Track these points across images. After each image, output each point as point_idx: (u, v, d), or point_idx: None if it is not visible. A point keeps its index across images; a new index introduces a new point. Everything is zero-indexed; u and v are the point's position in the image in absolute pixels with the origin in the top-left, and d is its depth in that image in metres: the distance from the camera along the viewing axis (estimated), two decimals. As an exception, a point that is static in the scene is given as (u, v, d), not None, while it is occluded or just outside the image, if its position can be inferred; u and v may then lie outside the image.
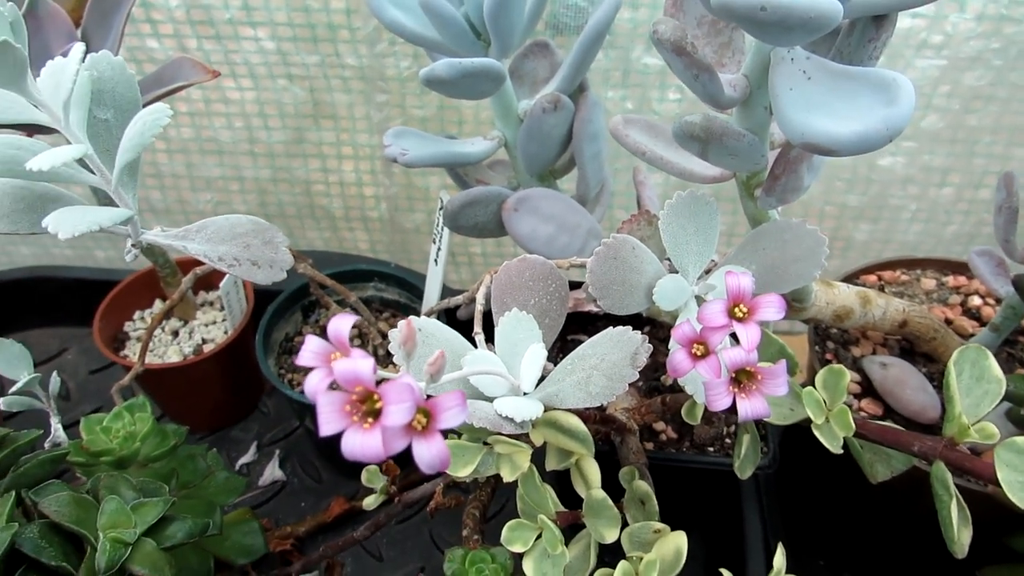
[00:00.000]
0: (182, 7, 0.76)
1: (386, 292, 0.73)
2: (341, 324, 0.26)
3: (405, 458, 0.26)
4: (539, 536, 0.39)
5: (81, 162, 0.38)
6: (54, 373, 0.52)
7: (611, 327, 0.41)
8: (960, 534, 0.36)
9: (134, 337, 0.73)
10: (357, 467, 0.72)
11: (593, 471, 0.42)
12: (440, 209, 0.62)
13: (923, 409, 0.54)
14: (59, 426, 0.52)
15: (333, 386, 0.26)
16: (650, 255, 0.44)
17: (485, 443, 0.40)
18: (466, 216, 0.58)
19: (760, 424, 0.59)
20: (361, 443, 0.24)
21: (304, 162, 0.88)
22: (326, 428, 0.25)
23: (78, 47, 0.34)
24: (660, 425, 0.60)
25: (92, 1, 0.53)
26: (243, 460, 0.74)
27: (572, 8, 0.64)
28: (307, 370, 0.74)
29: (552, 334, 0.44)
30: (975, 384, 0.39)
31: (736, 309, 0.31)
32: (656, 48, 0.37)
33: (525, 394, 0.41)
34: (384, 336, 0.69)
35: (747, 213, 0.48)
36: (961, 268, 0.65)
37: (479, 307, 0.53)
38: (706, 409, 0.52)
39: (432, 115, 0.82)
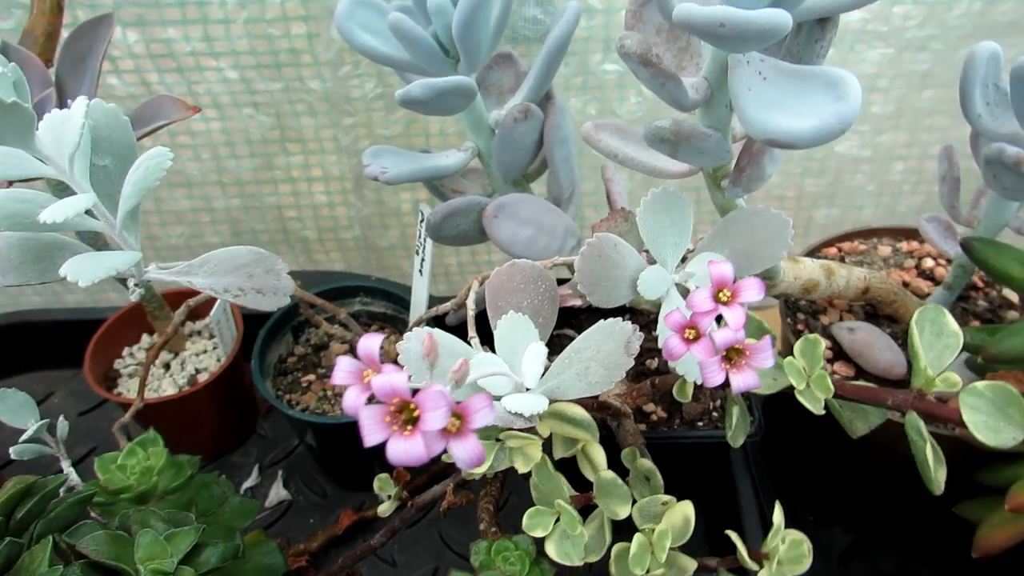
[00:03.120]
0: (142, 42, 0.76)
1: (372, 306, 0.75)
2: (371, 343, 0.28)
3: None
4: (557, 520, 0.42)
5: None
6: (60, 417, 0.53)
7: (601, 320, 0.44)
8: (936, 473, 0.40)
9: (125, 374, 0.73)
10: (360, 479, 0.74)
11: (599, 455, 0.45)
12: (421, 222, 0.64)
13: (891, 367, 0.58)
14: (71, 469, 0.53)
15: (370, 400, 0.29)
16: (631, 250, 0.47)
17: (497, 439, 0.43)
18: (448, 226, 0.60)
19: (745, 395, 0.63)
20: (405, 450, 0.26)
21: (274, 188, 0.89)
22: (370, 439, 0.27)
23: (80, 100, 0.35)
24: (650, 407, 0.64)
25: (64, 45, 0.55)
26: (247, 484, 0.75)
27: (531, 20, 0.66)
28: (305, 389, 0.75)
29: (546, 331, 0.47)
30: (936, 339, 0.43)
31: (720, 294, 0.35)
32: (623, 60, 0.40)
33: (528, 390, 0.43)
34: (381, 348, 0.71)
35: (715, 203, 0.51)
36: (913, 234, 0.70)
37: (471, 312, 0.55)
38: (694, 386, 0.56)
39: (399, 132, 0.84)
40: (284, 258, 0.96)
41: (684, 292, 0.48)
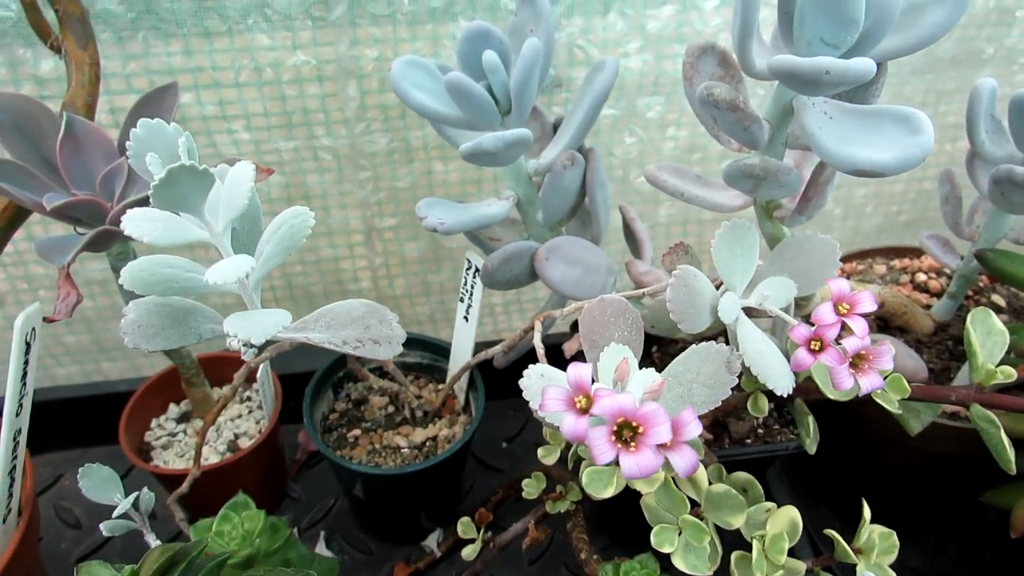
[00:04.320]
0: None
1: (408, 356, 0.76)
2: (581, 371, 0.31)
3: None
4: (679, 534, 0.45)
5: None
6: (144, 489, 0.52)
7: (693, 344, 0.48)
8: (1010, 455, 0.45)
9: (158, 446, 0.71)
10: (404, 532, 0.74)
11: (701, 472, 0.48)
12: (468, 270, 0.66)
13: (915, 372, 0.64)
14: (157, 541, 0.52)
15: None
16: (706, 279, 0.51)
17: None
18: (503, 271, 0.63)
19: (785, 408, 0.67)
20: (638, 464, 0.29)
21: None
22: (602, 458, 0.29)
23: (245, 165, 0.36)
24: (696, 430, 0.67)
25: (130, 114, 0.55)
26: (288, 547, 0.74)
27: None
28: (353, 444, 0.75)
29: (636, 360, 0.50)
30: (987, 338, 0.48)
31: (840, 307, 0.39)
32: (710, 107, 0.44)
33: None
34: (418, 398, 0.72)
35: (764, 232, 0.56)
36: (902, 252, 0.77)
37: (540, 350, 0.57)
38: (736, 407, 0.60)
39: (411, 184, 0.86)
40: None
41: (750, 313, 0.52)
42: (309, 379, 0.71)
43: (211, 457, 0.69)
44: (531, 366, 0.45)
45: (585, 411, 0.30)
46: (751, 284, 0.53)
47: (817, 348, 0.39)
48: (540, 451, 0.57)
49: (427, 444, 0.69)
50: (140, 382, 0.84)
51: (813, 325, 0.39)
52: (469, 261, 0.66)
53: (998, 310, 0.71)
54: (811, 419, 0.52)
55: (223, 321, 0.38)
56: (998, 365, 0.47)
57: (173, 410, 0.74)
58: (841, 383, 0.37)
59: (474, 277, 0.65)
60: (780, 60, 0.39)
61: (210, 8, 0.72)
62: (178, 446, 0.71)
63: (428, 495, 0.71)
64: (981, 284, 0.73)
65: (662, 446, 0.30)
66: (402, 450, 0.69)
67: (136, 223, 0.34)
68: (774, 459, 0.67)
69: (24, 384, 0.47)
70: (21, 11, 0.67)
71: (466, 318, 0.68)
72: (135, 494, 0.50)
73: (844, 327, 0.38)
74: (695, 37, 0.80)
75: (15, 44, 0.69)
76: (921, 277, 0.74)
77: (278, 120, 0.80)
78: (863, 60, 0.38)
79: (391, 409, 0.73)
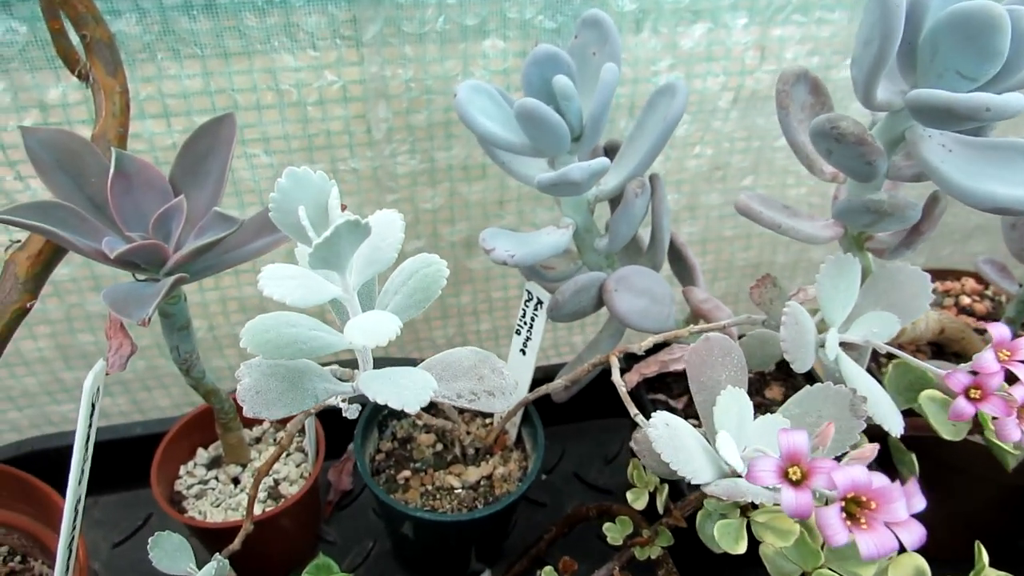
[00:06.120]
0: (166, 134, 0.71)
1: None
2: (796, 439, 0.28)
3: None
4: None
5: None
6: (216, 555, 0.47)
7: (808, 386, 0.46)
8: None
9: (190, 495, 0.66)
10: (453, 573, 0.70)
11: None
12: (528, 301, 0.64)
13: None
14: (229, 613, 0.47)
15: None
16: (808, 316, 0.49)
17: (742, 514, 0.43)
18: (572, 303, 0.60)
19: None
20: (876, 544, 0.27)
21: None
22: (837, 539, 0.27)
23: (392, 216, 0.32)
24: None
25: (184, 147, 0.50)
26: (328, 597, 0.69)
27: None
28: (405, 487, 0.72)
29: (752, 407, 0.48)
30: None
31: (1000, 353, 0.38)
32: (830, 140, 0.43)
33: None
34: (467, 433, 0.69)
35: (851, 263, 0.55)
36: (945, 275, 0.77)
37: (622, 389, 0.55)
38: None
39: (437, 206, 0.83)
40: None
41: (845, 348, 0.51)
42: (335, 414, 0.67)
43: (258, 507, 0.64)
44: (656, 414, 0.43)
45: (798, 483, 0.28)
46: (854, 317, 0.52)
47: (977, 396, 0.37)
48: (629, 495, 0.55)
49: (482, 484, 0.66)
50: (154, 424, 0.78)
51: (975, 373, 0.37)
52: (529, 293, 0.63)
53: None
54: (913, 457, 0.51)
55: (343, 383, 0.34)
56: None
57: (202, 455, 0.69)
58: (1009, 434, 0.36)
59: (535, 309, 0.63)
60: (929, 95, 0.37)
61: (231, 28, 0.67)
62: (212, 495, 0.66)
63: (483, 536, 0.67)
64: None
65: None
66: (456, 491, 0.65)
67: (275, 282, 0.30)
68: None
69: (87, 449, 0.43)
70: (28, 36, 0.61)
71: (523, 351, 0.65)
72: (214, 562, 0.45)
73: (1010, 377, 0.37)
74: (724, 56, 0.80)
75: (21, 70, 0.63)
76: (965, 300, 0.75)
77: (299, 143, 0.76)
78: (1018, 96, 0.37)
79: (439, 447, 0.69)
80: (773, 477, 0.29)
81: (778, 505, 0.43)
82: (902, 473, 0.52)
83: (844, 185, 0.55)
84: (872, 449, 0.32)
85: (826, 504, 0.28)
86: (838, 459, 0.32)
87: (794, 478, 0.28)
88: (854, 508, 0.27)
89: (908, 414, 0.49)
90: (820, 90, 0.51)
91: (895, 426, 0.47)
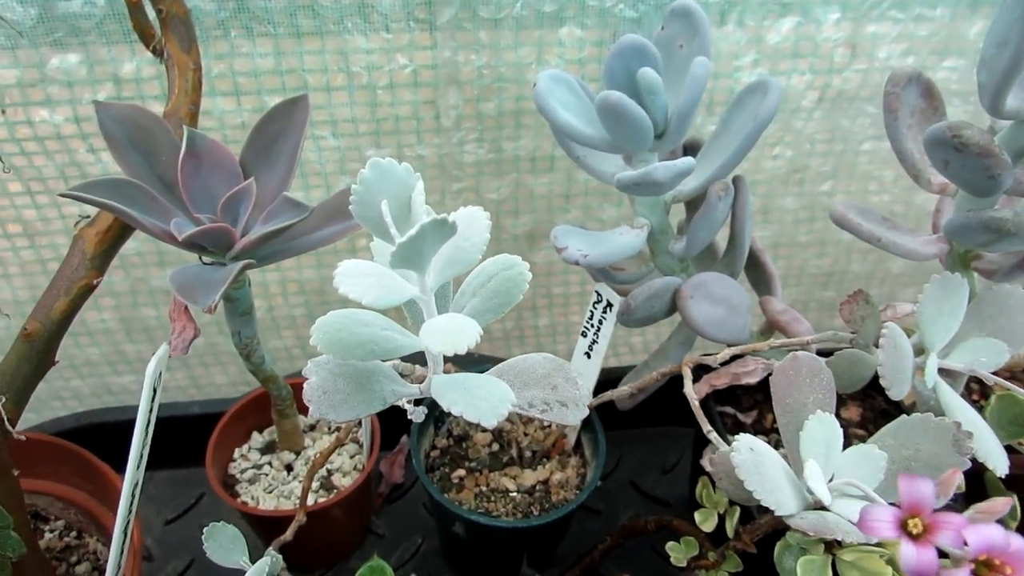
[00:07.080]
0: (236, 113, 0.70)
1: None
2: (922, 487, 0.25)
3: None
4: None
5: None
6: (270, 549, 0.46)
7: (905, 416, 0.43)
8: None
9: (244, 480, 0.66)
10: (492, 568, 0.68)
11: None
12: (597, 303, 0.61)
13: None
14: (281, 606, 0.46)
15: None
16: (906, 338, 0.46)
17: (826, 550, 0.40)
18: (645, 308, 0.58)
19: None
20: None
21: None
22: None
23: (477, 213, 0.30)
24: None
25: (254, 130, 0.49)
26: (376, 591, 0.68)
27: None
28: (459, 487, 0.70)
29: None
30: None
31: None
32: (949, 149, 0.39)
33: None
34: (525, 434, 0.67)
35: (950, 281, 0.51)
36: None
37: (695, 401, 0.52)
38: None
39: (502, 197, 0.81)
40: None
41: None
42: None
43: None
44: (740, 437, 0.40)
45: (918, 537, 0.25)
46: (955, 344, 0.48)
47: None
48: (697, 515, 0.52)
49: (538, 488, 0.64)
50: (211, 404, 0.78)
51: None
52: (599, 294, 0.60)
53: None
54: (1015, 500, 0.47)
55: (412, 387, 0.32)
56: None
57: (256, 439, 0.69)
58: None
59: (604, 312, 0.60)
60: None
61: (306, 7, 0.65)
62: (265, 480, 0.65)
63: (536, 543, 0.65)
64: None
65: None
66: (511, 494, 0.63)
67: (351, 280, 0.28)
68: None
69: (147, 434, 0.42)
70: (106, 9, 0.61)
71: (587, 354, 0.62)
72: (268, 558, 0.44)
73: None
74: (812, 53, 0.75)
75: (97, 43, 0.63)
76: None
77: (367, 127, 0.74)
78: None
79: (495, 447, 0.67)
80: (891, 529, 0.26)
81: (867, 545, 0.40)
82: (1005, 519, 0.48)
83: (948, 198, 0.51)
84: (1006, 503, 0.29)
85: (946, 558, 0.25)
86: (958, 507, 0.29)
87: (914, 531, 0.25)
88: (984, 571, 0.24)
89: (1008, 450, 0.45)
90: (933, 94, 0.47)
91: (1000, 465, 0.43)
